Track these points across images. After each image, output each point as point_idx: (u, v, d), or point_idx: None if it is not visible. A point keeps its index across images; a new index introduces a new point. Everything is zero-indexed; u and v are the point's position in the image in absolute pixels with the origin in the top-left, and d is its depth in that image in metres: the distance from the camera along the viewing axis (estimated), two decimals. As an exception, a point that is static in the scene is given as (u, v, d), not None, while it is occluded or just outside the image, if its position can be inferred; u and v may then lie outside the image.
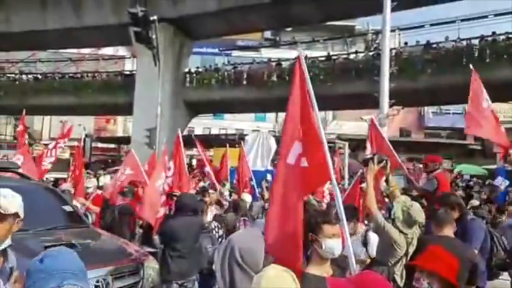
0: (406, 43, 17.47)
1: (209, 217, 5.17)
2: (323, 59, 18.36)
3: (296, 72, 2.77)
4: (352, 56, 18.62)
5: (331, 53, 19.62)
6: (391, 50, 12.87)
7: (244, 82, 18.48)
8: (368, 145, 5.19)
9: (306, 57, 18.11)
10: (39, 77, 23.88)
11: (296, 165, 2.57)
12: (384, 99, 9.94)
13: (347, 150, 15.57)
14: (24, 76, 24.50)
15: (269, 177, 9.46)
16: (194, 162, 28.80)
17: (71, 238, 3.63)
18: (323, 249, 2.11)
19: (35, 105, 20.60)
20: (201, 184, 9.68)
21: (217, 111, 25.15)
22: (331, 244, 2.11)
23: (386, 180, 3.57)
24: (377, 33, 23.73)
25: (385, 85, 10.00)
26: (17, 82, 23.41)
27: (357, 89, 15.48)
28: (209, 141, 25.94)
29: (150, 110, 14.62)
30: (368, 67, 15.61)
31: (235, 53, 28.31)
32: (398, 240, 3.08)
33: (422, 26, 19.07)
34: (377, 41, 23.64)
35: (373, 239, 3.57)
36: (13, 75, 25.72)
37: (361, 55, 18.52)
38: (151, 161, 8.12)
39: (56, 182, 9.11)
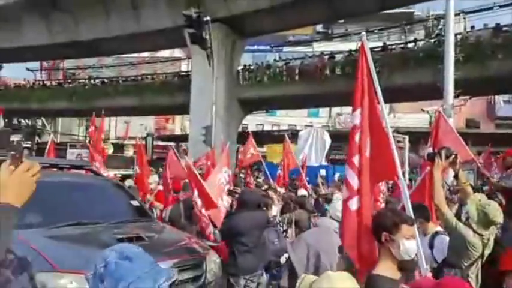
0: (472, 27, 16.22)
1: (274, 212, 5.12)
2: (379, 49, 17.65)
3: (360, 61, 2.64)
4: (411, 45, 17.69)
5: (388, 43, 18.80)
6: (455, 35, 12.03)
7: (297, 77, 18.33)
8: (431, 139, 4.91)
9: (359, 49, 17.33)
10: (106, 81, 25.64)
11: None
12: (448, 89, 9.36)
13: (407, 144, 14.86)
14: (92, 81, 26.47)
15: (323, 172, 9.35)
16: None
17: (139, 231, 3.87)
18: (400, 251, 2.03)
19: (103, 107, 22.11)
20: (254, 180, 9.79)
21: (270, 108, 25.21)
22: (409, 245, 2.04)
23: (456, 176, 3.33)
24: (438, 18, 22.27)
25: (450, 74, 9.41)
26: (86, 87, 25.31)
27: (417, 79, 14.70)
28: (262, 137, 26.16)
29: (206, 108, 15.07)
30: (429, 55, 14.75)
31: (286, 48, 28.19)
32: (473, 242, 2.87)
33: (491, 8, 17.58)
34: (439, 27, 22.20)
35: (438, 241, 3.38)
36: (83, 80, 27.92)
37: (421, 43, 17.53)
38: (211, 157, 8.36)
39: (123, 179, 9.73)
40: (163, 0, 18.34)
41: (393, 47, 17.95)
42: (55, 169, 4.82)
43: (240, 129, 21.70)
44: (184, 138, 24.26)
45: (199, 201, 4.73)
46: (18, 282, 3.01)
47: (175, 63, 30.90)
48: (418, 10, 28.44)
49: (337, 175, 12.10)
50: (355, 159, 2.50)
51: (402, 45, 18.11)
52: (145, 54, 30.00)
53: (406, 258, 2.05)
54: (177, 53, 30.67)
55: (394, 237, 2.04)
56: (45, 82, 28.62)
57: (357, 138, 2.53)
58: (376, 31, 23.07)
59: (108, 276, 1.16)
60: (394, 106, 27.65)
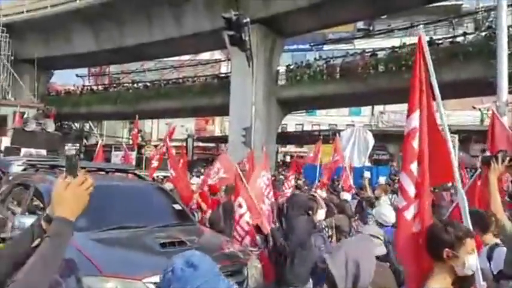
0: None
1: (320, 216, 4.95)
2: (425, 44, 16.83)
3: (417, 57, 2.44)
4: (459, 39, 16.73)
5: (434, 37, 17.90)
6: (508, 27, 11.22)
7: (338, 76, 17.95)
8: (487, 141, 4.55)
9: (404, 45, 16.84)
10: (148, 84, 26.51)
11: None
12: (502, 85, 8.74)
13: (457, 144, 14.06)
14: (136, 85, 27.48)
15: (367, 174, 9.00)
16: (288, 159, 29.09)
17: (181, 236, 3.86)
18: (465, 268, 1.87)
19: (146, 110, 22.93)
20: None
21: (310, 107, 24.89)
22: (472, 260, 1.88)
23: None
24: (488, 10, 20.93)
25: (504, 68, 8.79)
26: (130, 90, 26.32)
27: (467, 75, 13.88)
28: (302, 138, 25.94)
29: (245, 109, 15.10)
30: (480, 50, 13.87)
31: (326, 46, 27.70)
32: None
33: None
34: (489, 20, 20.85)
35: (497, 254, 3.09)
36: (127, 84, 29.07)
37: (470, 37, 16.53)
38: (250, 159, 8.28)
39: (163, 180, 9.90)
40: (203, 4, 18.64)
41: (440, 41, 17.05)
42: (102, 173, 4.95)
43: (279, 130, 21.61)
44: (223, 139, 24.55)
45: (243, 207, 4.63)
46: (66, 284, 3.08)
47: (215, 65, 31.35)
48: (466, 2, 26.91)
49: (381, 177, 11.65)
50: (413, 167, 2.33)
51: (450, 39, 17.17)
52: (186, 57, 30.72)
53: (469, 274, 1.91)
54: (217, 55, 31.10)
55: (458, 253, 1.88)
56: (92, 87, 30.09)
57: (415, 143, 2.36)
58: (421, 25, 22.05)
59: (174, 281, 1.22)
60: (443, 103, 26.30)
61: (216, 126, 35.97)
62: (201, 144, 32.29)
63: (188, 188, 7.00)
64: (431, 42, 16.96)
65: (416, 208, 2.29)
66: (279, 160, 24.55)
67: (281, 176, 11.59)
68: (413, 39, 19.31)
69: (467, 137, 18.30)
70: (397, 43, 18.38)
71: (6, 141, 14.34)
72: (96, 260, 3.06)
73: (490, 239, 3.23)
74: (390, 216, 4.40)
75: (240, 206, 4.66)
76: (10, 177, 4.67)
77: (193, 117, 31.90)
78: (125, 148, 9.35)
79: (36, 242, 1.25)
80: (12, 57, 23.35)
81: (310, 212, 4.03)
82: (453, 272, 1.90)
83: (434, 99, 2.44)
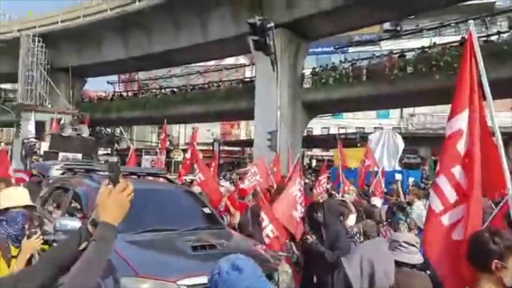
0: None
1: (351, 221, 4.90)
2: (456, 44, 16.35)
3: (466, 55, 2.34)
4: (493, 38, 16.15)
5: (466, 37, 17.34)
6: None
7: (364, 78, 17.70)
8: None
9: (434, 45, 16.43)
10: (175, 90, 27.06)
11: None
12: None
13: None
14: (163, 90, 28.11)
15: (398, 176, 8.84)
16: (314, 163, 28.85)
17: (211, 239, 3.93)
18: None
19: (173, 115, 23.39)
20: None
21: (336, 110, 24.62)
22: None
23: None
24: (524, 7, 20.11)
25: None
26: (158, 96, 26.95)
27: (503, 74, 13.36)
28: (328, 141, 25.65)
29: (270, 113, 15.14)
30: (516, 48, 13.37)
31: (351, 49, 27.38)
32: None
33: None
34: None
35: None
36: (155, 90, 29.79)
37: (505, 35, 15.93)
38: (276, 163, 8.33)
39: (191, 183, 10.04)
40: (228, 11, 18.87)
41: (473, 41, 16.51)
42: (134, 177, 5.11)
43: (305, 133, 21.50)
44: (249, 143, 24.66)
45: (265, 220, 4.69)
46: (105, 285, 3.21)
47: (240, 70, 31.62)
48: (499, 0, 25.93)
49: (411, 180, 11.38)
50: (455, 170, 2.22)
51: (484, 39, 16.60)
52: (211, 62, 31.15)
53: None
54: (242, 59, 31.37)
55: (507, 264, 1.80)
56: (122, 93, 31.01)
57: (459, 146, 2.23)
58: (452, 24, 21.38)
59: (220, 283, 1.27)
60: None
61: (242, 130, 36.18)
62: (226, 148, 32.55)
63: (217, 191, 7.09)
64: (463, 42, 16.47)
65: (459, 215, 2.18)
66: (304, 164, 24.41)
67: (306, 180, 11.49)
68: (444, 39, 18.82)
69: (506, 139, 17.53)
70: (426, 43, 17.91)
71: (45, 146, 15.05)
72: (132, 262, 3.17)
73: None
74: None
75: (262, 219, 4.71)
76: (50, 181, 4.90)
77: (219, 121, 32.23)
78: (158, 153, 9.64)
79: (83, 245, 1.31)
80: (49, 66, 24.45)
81: (341, 218, 3.99)
82: (501, 283, 1.82)
83: (484, 99, 2.31)
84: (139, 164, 13.63)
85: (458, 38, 17.58)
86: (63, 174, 4.97)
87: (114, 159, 21.27)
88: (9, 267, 2.24)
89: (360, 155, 10.32)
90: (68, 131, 14.60)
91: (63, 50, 24.71)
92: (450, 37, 19.38)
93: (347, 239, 4.07)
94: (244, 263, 1.29)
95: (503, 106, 21.82)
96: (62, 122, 18.30)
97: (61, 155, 12.75)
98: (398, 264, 2.66)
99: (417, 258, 2.76)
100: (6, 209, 2.38)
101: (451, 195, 2.21)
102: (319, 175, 10.33)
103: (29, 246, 2.30)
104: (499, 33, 16.59)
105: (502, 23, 22.88)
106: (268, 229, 4.66)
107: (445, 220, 2.22)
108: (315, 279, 3.97)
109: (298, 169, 5.45)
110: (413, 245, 2.79)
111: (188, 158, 8.90)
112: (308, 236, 3.98)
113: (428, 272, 3.57)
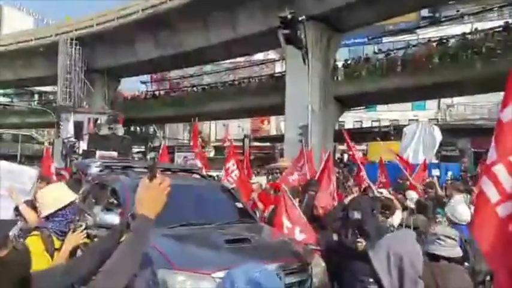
0: None
1: (396, 219, 4.72)
2: (500, 29, 15.47)
3: None
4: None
5: (510, 21, 16.39)
6: None
7: (399, 69, 17.14)
8: None
9: (476, 30, 15.69)
10: (206, 87, 27.40)
11: None
12: None
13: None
14: (195, 88, 28.55)
15: (435, 172, 8.52)
16: (346, 157, 28.34)
17: (244, 233, 3.96)
18: None
19: (204, 112, 23.72)
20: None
21: (370, 103, 24.03)
22: None
23: None
24: None
25: None
26: (189, 94, 27.40)
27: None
28: (361, 135, 25.11)
29: (301, 108, 15.00)
30: None
31: (385, 39, 26.55)
32: None
33: None
34: None
35: None
36: (186, 88, 30.30)
37: (551, 18, 14.92)
38: (309, 157, 8.22)
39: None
40: (257, 6, 18.82)
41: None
42: (168, 173, 5.21)
43: (336, 127, 21.17)
44: (279, 138, 24.58)
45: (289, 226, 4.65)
46: (142, 276, 3.29)
47: (270, 65, 31.52)
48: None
49: (449, 174, 10.94)
50: None
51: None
52: (241, 59, 31.25)
53: None
54: (271, 54, 31.25)
55: None
56: (154, 92, 31.78)
57: None
58: (495, 8, 20.17)
59: None
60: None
61: (272, 126, 36.13)
62: (257, 144, 32.62)
63: (249, 187, 7.14)
64: (507, 27, 15.58)
65: None
66: (336, 158, 24.05)
67: (337, 174, 11.26)
68: (487, 25, 17.78)
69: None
70: (467, 30, 17.05)
71: (83, 145, 15.74)
72: (168, 255, 3.24)
73: None
74: (465, 215, 4.14)
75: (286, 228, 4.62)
76: (89, 178, 5.10)
77: (250, 117, 32.34)
78: (196, 149, 9.86)
79: (123, 238, 1.36)
80: (85, 68, 25.46)
81: (387, 214, 3.85)
82: None
83: None
84: (172, 161, 13.96)
85: (501, 22, 16.58)
86: (101, 171, 5.15)
87: (152, 154, 21.89)
88: (52, 259, 2.34)
89: (396, 148, 10.01)
90: (104, 130, 15.15)
91: (98, 52, 25.62)
92: (493, 22, 18.31)
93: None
94: (262, 277, 1.15)
95: None
96: (98, 121, 19.03)
97: (98, 153, 13.25)
98: (436, 257, 2.63)
99: (455, 252, 2.70)
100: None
101: (509, 185, 2.11)
102: (351, 169, 10.13)
103: (73, 239, 2.39)
104: (545, 16, 15.56)
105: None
106: (297, 230, 4.61)
107: (502, 211, 2.11)
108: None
109: (329, 165, 5.37)
110: (452, 238, 2.71)
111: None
112: (360, 240, 3.89)
113: (466, 264, 3.44)
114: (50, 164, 8.25)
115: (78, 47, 25.23)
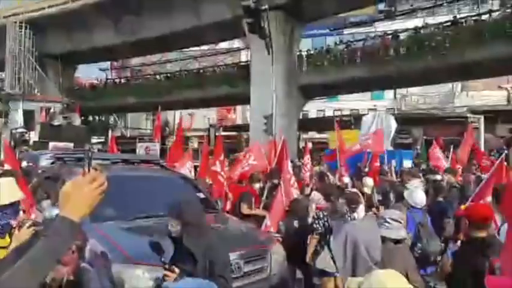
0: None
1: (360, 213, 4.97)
2: (448, 24, 16.25)
3: None
4: (484, 17, 16.04)
5: (459, 16, 17.24)
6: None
7: (358, 60, 17.59)
8: None
9: (427, 25, 16.38)
10: (169, 75, 26.76)
11: None
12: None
13: (482, 125, 13.63)
14: (157, 76, 27.80)
15: (393, 162, 8.90)
16: (310, 145, 28.88)
17: (205, 223, 3.98)
18: None
19: (168, 101, 23.22)
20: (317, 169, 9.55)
21: (331, 93, 24.53)
22: None
23: None
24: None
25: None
26: (152, 82, 26.67)
27: (493, 54, 13.32)
28: (323, 123, 25.62)
29: (266, 97, 15.07)
30: (506, 27, 13.30)
31: (346, 30, 27.07)
32: None
33: None
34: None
35: (503, 232, 3.03)
36: (148, 76, 29.45)
37: (495, 14, 15.83)
38: (271, 147, 8.30)
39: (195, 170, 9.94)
40: (222, -7, 18.54)
41: (464, 20, 16.42)
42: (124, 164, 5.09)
43: (300, 116, 21.46)
44: (245, 128, 24.60)
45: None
46: (96, 271, 3.22)
47: (235, 54, 31.28)
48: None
49: (405, 161, 11.44)
50: None
51: (475, 18, 16.49)
52: (206, 47, 30.75)
53: None
54: (237, 43, 31.00)
55: None
56: (115, 80, 30.66)
57: None
58: (445, 4, 21.16)
59: None
60: (466, 84, 25.37)
61: (238, 115, 36.05)
62: (223, 133, 32.45)
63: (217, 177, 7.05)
64: (455, 22, 16.35)
65: None
66: (300, 147, 24.48)
67: (298, 162, 11.47)
68: (437, 19, 18.66)
69: (493, 117, 17.64)
70: (420, 23, 17.76)
71: (34, 136, 14.89)
72: (124, 248, 3.19)
73: None
74: (420, 199, 4.40)
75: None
76: (39, 171, 4.88)
77: (215, 107, 32.03)
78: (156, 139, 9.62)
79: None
80: (37, 53, 24.00)
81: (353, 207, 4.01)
82: None
83: None
84: (133, 152, 13.58)
85: (450, 17, 17.43)
86: (53, 163, 4.95)
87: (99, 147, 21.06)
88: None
89: (355, 136, 10.32)
90: (59, 120, 14.46)
91: (52, 36, 24.24)
92: (443, 17, 19.20)
93: (339, 218, 4.13)
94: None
95: (486, 85, 21.86)
96: (51, 110, 18.12)
97: (51, 144, 12.62)
98: (383, 239, 2.79)
99: (401, 234, 2.87)
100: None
101: None
102: (313, 157, 10.31)
103: (20, 236, 2.30)
104: (490, 12, 16.47)
105: (494, 1, 22.64)
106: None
107: None
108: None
109: (284, 153, 5.48)
110: (397, 221, 2.89)
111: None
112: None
113: (419, 245, 3.65)
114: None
115: (28, 30, 23.70)
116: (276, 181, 5.90)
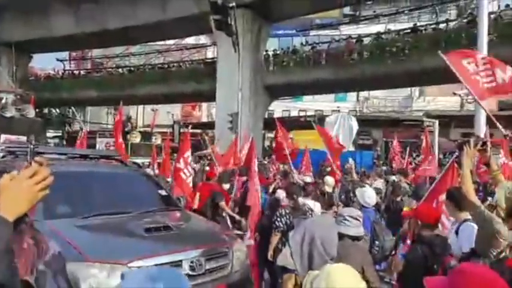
0: (508, 5, 15.28)
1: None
2: (409, 31, 16.99)
3: None
4: (442, 26, 16.92)
5: (418, 24, 18.05)
6: (489, 14, 11.40)
7: (323, 62, 17.96)
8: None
9: (388, 31, 17.02)
10: (133, 69, 26.00)
11: None
12: (483, 72, 8.83)
13: (437, 128, 14.38)
14: (120, 70, 26.91)
15: (351, 161, 9.15)
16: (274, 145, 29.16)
17: (167, 221, 3.90)
18: None
19: (130, 96, 22.56)
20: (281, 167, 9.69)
21: (296, 93, 24.89)
22: None
23: (487, 164, 3.22)
24: (472, -4, 21.19)
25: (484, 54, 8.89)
26: (114, 75, 25.79)
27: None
28: (289, 123, 25.93)
29: (232, 95, 15.01)
30: (461, 36, 14.09)
31: (312, 32, 27.56)
32: (502, 231, 2.75)
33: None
34: (471, 6, 21.13)
35: (462, 229, 3.23)
36: (110, 69, 28.45)
37: (452, 23, 16.74)
38: (235, 144, 8.31)
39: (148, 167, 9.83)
40: (188, -13, 18.26)
41: (423, 28, 17.23)
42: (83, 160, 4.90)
43: (266, 116, 21.60)
44: (210, 125, 24.41)
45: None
46: (51, 271, 3.06)
47: (202, 50, 30.92)
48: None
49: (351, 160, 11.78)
50: None
51: (433, 26, 17.35)
52: (171, 41, 30.17)
53: None
54: (203, 39, 30.65)
55: None
56: (74, 72, 29.36)
57: None
58: (406, 12, 22.11)
59: None
60: (423, 89, 26.68)
61: (203, 113, 35.70)
62: (187, 130, 32.01)
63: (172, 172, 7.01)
64: (414, 29, 17.12)
65: None
66: (265, 146, 24.65)
67: (264, 162, 11.59)
68: (399, 26, 19.49)
69: (447, 122, 18.68)
70: (383, 29, 18.43)
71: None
72: (80, 246, 3.06)
73: (465, 216, 3.32)
74: (372, 199, 4.56)
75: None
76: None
77: (180, 103, 31.53)
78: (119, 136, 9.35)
79: None
80: (-12, 40, 22.54)
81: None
82: None
83: None
84: (93, 147, 13.09)
85: (411, 25, 18.23)
86: (3, 157, 4.66)
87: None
88: None
89: (318, 137, 10.51)
90: (11, 112, 13.63)
91: (6, 22, 22.79)
92: (403, 24, 20.04)
93: (299, 216, 4.23)
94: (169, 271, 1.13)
95: (441, 91, 23.12)
96: (3, 101, 17.02)
97: (3, 137, 11.92)
98: (341, 236, 2.88)
99: (359, 231, 2.98)
100: None
101: None
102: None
103: None
104: (447, 21, 17.39)
105: (452, 11, 23.94)
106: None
107: None
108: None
109: (253, 153, 5.52)
110: (356, 219, 3.00)
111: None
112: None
113: (377, 242, 3.81)
114: None
115: (-20, 15, 22.22)
116: (245, 178, 6.06)
